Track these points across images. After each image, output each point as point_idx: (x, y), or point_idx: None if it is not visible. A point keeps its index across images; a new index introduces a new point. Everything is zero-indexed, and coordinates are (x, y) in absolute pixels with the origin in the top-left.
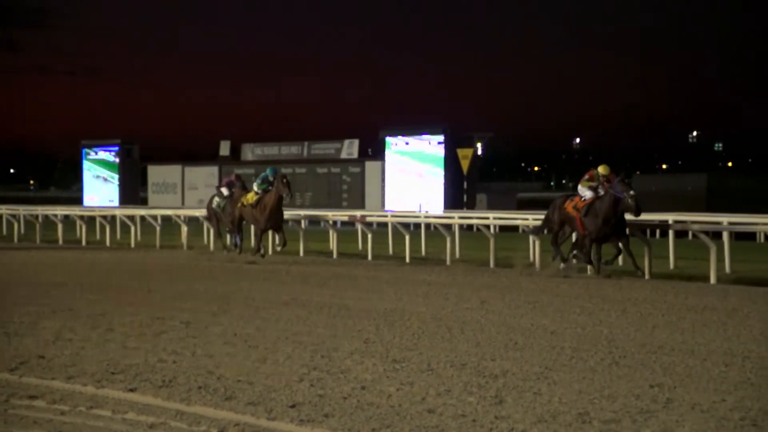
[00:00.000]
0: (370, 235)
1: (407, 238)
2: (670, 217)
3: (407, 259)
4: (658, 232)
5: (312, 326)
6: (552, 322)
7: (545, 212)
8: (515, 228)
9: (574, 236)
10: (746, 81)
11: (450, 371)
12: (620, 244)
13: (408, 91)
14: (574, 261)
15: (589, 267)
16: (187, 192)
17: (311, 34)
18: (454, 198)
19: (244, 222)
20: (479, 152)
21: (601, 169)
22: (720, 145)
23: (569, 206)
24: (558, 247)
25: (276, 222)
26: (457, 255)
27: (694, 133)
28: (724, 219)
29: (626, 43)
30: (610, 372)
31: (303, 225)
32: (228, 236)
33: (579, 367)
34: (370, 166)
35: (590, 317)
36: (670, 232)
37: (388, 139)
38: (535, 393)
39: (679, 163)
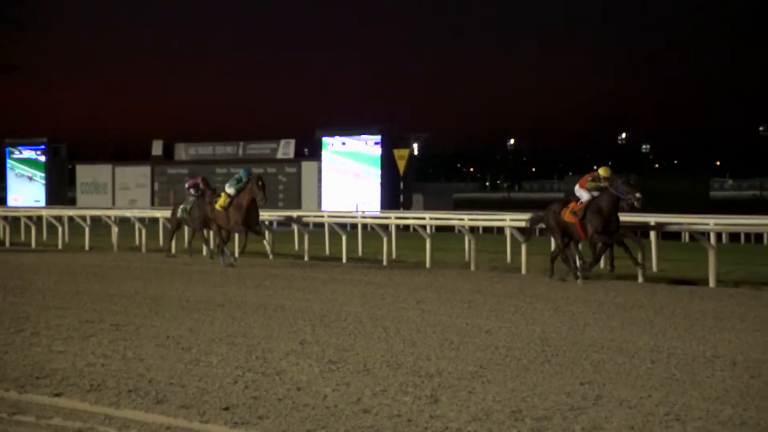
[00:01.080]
0: (306, 236)
1: (344, 238)
2: None
3: (344, 260)
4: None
5: (247, 327)
6: (487, 321)
7: (485, 213)
8: (451, 228)
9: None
10: (671, 83)
11: (386, 371)
12: (600, 245)
13: (344, 91)
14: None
15: (602, 263)
16: (118, 192)
17: (245, 32)
18: (390, 198)
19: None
20: (416, 153)
21: (602, 172)
22: (647, 146)
23: (566, 213)
24: (570, 262)
25: (252, 221)
26: (394, 255)
27: (623, 135)
28: (652, 219)
29: (559, 46)
30: (543, 370)
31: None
32: (209, 243)
33: (513, 366)
34: (307, 166)
35: (524, 316)
36: None
37: (325, 139)
38: (469, 392)
39: (609, 164)
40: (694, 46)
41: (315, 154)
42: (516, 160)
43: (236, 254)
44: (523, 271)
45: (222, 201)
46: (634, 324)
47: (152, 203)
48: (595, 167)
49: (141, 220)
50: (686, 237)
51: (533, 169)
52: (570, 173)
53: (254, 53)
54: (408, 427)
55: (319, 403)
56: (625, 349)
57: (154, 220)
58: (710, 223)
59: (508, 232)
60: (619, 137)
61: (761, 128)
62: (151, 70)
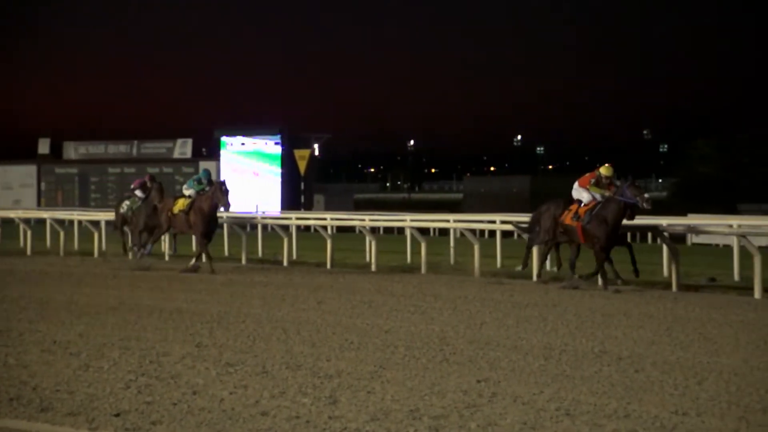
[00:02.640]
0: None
1: (243, 239)
2: (497, 218)
3: (243, 261)
4: (486, 232)
5: (141, 331)
6: (387, 321)
7: (386, 214)
8: (352, 229)
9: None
10: (566, 86)
11: (285, 373)
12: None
13: (244, 91)
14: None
15: (600, 277)
16: (0, 192)
17: (142, 29)
18: (291, 199)
19: (174, 232)
20: (317, 153)
21: (604, 171)
22: (542, 148)
23: (568, 217)
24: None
25: (212, 228)
26: (295, 256)
27: (519, 137)
28: None
29: (458, 46)
30: (441, 369)
31: None
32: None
33: (411, 365)
34: (205, 166)
35: (423, 316)
36: (497, 232)
37: (224, 139)
38: (368, 392)
39: (506, 165)
40: (585, 50)
41: (213, 154)
42: (416, 161)
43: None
44: (423, 271)
45: (181, 204)
46: (528, 322)
47: (39, 204)
48: (597, 165)
49: (26, 221)
50: None
51: (433, 170)
52: (468, 174)
53: (151, 51)
54: (306, 428)
55: (216, 406)
56: (520, 346)
57: (41, 221)
58: None
59: (408, 233)
60: (515, 139)
61: (645, 132)
62: (42, 64)
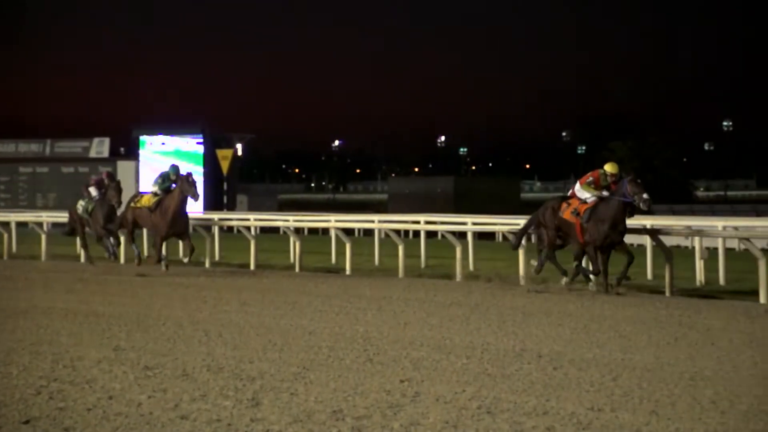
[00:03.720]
0: (122, 237)
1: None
2: (421, 218)
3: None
4: (411, 232)
5: (54, 335)
6: (311, 322)
7: (310, 214)
8: (276, 229)
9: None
10: (489, 88)
11: (206, 375)
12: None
13: (165, 90)
14: (578, 276)
15: (593, 279)
16: None
17: (55, 27)
18: (214, 199)
19: (136, 229)
20: (239, 153)
21: (609, 168)
22: (465, 149)
23: (567, 212)
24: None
25: (180, 227)
26: (217, 257)
27: (442, 138)
28: (469, 219)
29: (383, 47)
30: (365, 369)
31: (45, 228)
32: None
33: (335, 366)
34: (123, 165)
35: (348, 316)
36: (422, 233)
37: (143, 138)
38: (291, 393)
39: (430, 166)
40: (507, 51)
41: (132, 153)
42: (341, 161)
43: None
44: (348, 271)
45: (147, 200)
46: (451, 321)
47: None
48: (599, 164)
49: None
50: (500, 237)
51: (357, 171)
52: (392, 174)
53: (70, 48)
54: (228, 431)
55: (133, 411)
56: (443, 346)
57: None
58: (521, 223)
59: (333, 233)
60: (438, 140)
61: (564, 134)
62: None
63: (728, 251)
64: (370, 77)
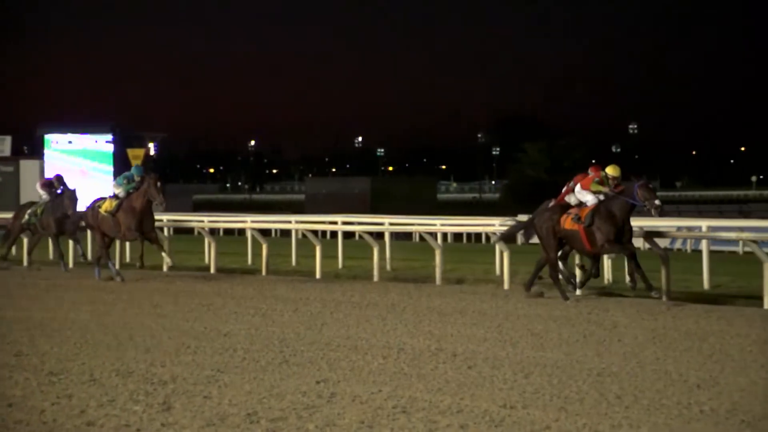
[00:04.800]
0: (26, 239)
1: (70, 241)
2: (339, 219)
3: (71, 264)
4: (328, 233)
5: None
6: (226, 324)
7: (226, 215)
8: (191, 230)
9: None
10: (406, 89)
11: (115, 380)
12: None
13: (72, 88)
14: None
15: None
16: None
17: None
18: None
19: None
20: (152, 152)
21: (611, 171)
22: (382, 150)
23: (567, 220)
24: (558, 280)
25: (147, 226)
26: (128, 259)
27: (359, 139)
28: (386, 220)
29: (296, 48)
30: (281, 371)
31: None
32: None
33: (250, 368)
34: (26, 165)
35: (264, 318)
36: (339, 233)
37: (48, 137)
38: (205, 397)
39: (347, 166)
40: (424, 52)
41: (36, 153)
42: (257, 161)
43: (117, 266)
44: (264, 272)
45: (108, 205)
46: (368, 322)
47: None
48: (592, 162)
49: None
50: (417, 237)
51: (274, 171)
52: (310, 174)
53: None
54: None
55: (35, 418)
56: (360, 346)
57: None
58: (437, 224)
59: (249, 234)
60: (356, 141)
61: (479, 135)
62: None
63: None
64: (286, 77)
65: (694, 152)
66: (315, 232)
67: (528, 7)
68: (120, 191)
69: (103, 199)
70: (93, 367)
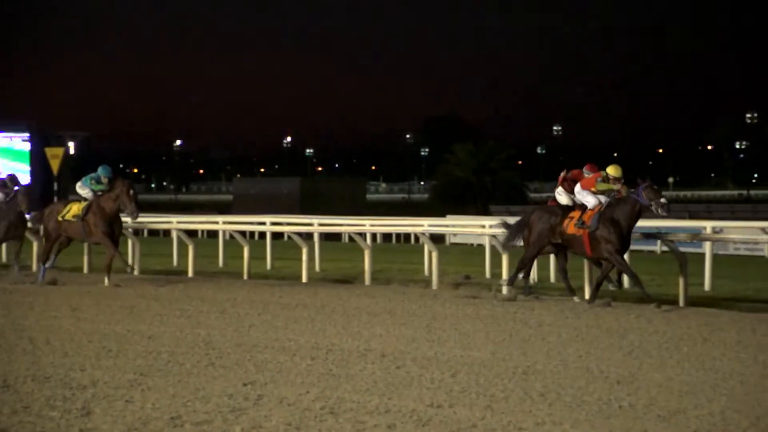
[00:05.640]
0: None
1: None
2: (267, 219)
3: None
4: (256, 234)
5: None
6: (150, 327)
7: (151, 216)
8: None
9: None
10: (336, 88)
11: (30, 386)
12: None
13: None
14: (612, 287)
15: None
16: None
17: None
18: (43, 199)
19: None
20: (72, 152)
21: (612, 171)
22: (311, 150)
23: (570, 225)
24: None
25: (117, 230)
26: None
27: (288, 139)
28: (315, 220)
29: (229, 47)
30: (206, 373)
31: None
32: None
33: (175, 371)
34: None
35: (189, 320)
36: (268, 234)
37: None
38: (126, 401)
39: (276, 167)
40: (353, 52)
41: None
42: (183, 161)
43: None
44: (190, 274)
45: (76, 210)
46: (297, 323)
47: None
48: (581, 162)
49: None
50: (346, 238)
51: (201, 171)
52: (238, 175)
53: None
54: None
55: None
56: (288, 347)
57: None
58: (366, 224)
59: (174, 235)
60: (284, 141)
61: (408, 136)
62: None
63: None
64: (213, 76)
65: (615, 154)
66: (243, 233)
67: (457, 10)
68: (86, 192)
69: (61, 204)
70: (7, 372)
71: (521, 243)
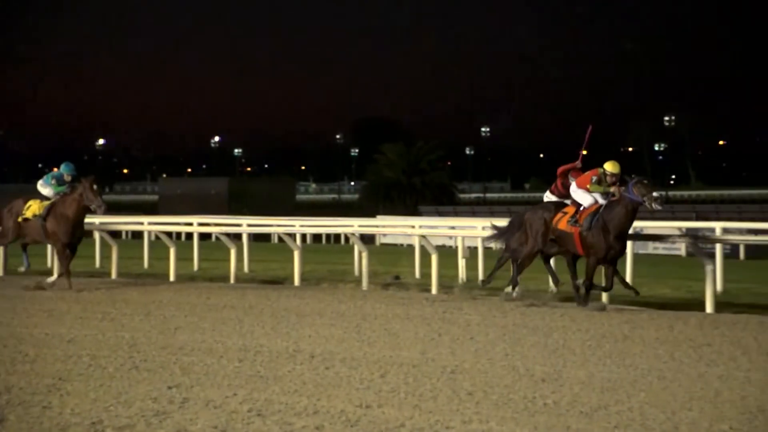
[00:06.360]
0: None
1: None
2: (194, 220)
3: None
4: (183, 235)
5: None
6: (70, 330)
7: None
8: None
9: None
10: (263, 90)
11: None
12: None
13: None
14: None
15: (583, 293)
16: None
17: None
18: None
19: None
20: None
21: (610, 167)
22: (240, 150)
23: (563, 221)
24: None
25: (78, 236)
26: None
27: (216, 139)
28: (244, 221)
29: (152, 46)
30: (129, 377)
31: None
32: None
33: (96, 375)
34: None
35: (113, 322)
36: (195, 235)
37: None
38: (44, 407)
39: (204, 167)
40: (279, 52)
41: None
42: (106, 160)
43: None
44: (114, 276)
45: (37, 208)
46: (225, 324)
47: None
48: (573, 158)
49: None
50: (276, 238)
51: (125, 171)
52: (164, 175)
53: None
54: None
55: None
56: (215, 349)
57: None
58: (296, 225)
59: (97, 236)
60: (212, 140)
61: (338, 136)
62: None
63: (486, 250)
64: (137, 73)
65: (541, 155)
66: (169, 234)
67: (387, 10)
68: (48, 191)
69: (22, 201)
70: None
71: (502, 245)
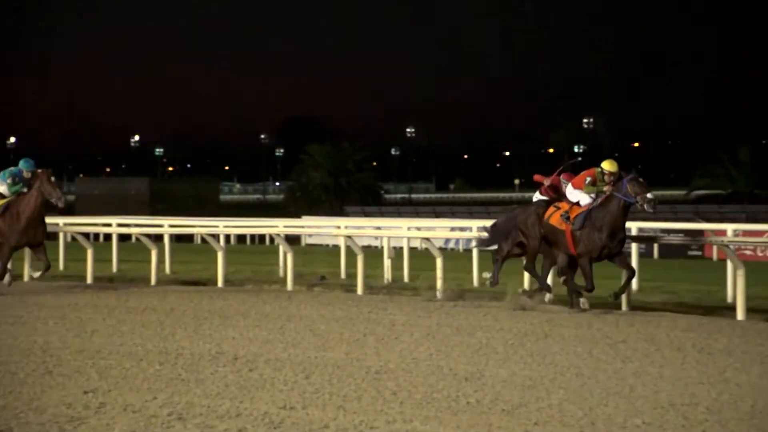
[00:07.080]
0: None
1: None
2: (113, 220)
3: None
4: (101, 236)
5: None
6: None
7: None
8: None
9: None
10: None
11: None
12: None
13: None
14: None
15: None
16: None
17: None
18: None
19: None
20: None
21: (607, 165)
22: (161, 150)
23: (555, 216)
24: (536, 272)
25: (35, 235)
26: None
27: (137, 138)
28: (165, 222)
29: (75, 44)
30: (42, 382)
31: None
32: None
33: (6, 381)
34: None
35: (25, 326)
36: (114, 236)
37: None
38: None
39: (123, 166)
40: (205, 52)
41: None
42: (17, 160)
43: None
44: (25, 278)
45: None
46: (144, 327)
47: None
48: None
49: None
50: (199, 239)
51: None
52: (81, 174)
53: None
54: None
55: None
56: (135, 353)
57: None
58: (220, 225)
59: (62, 238)
60: (132, 140)
61: (263, 136)
62: None
63: (412, 250)
64: (57, 71)
65: (466, 156)
66: (86, 235)
67: (313, 10)
68: (3, 189)
69: None
70: None
71: (494, 246)
